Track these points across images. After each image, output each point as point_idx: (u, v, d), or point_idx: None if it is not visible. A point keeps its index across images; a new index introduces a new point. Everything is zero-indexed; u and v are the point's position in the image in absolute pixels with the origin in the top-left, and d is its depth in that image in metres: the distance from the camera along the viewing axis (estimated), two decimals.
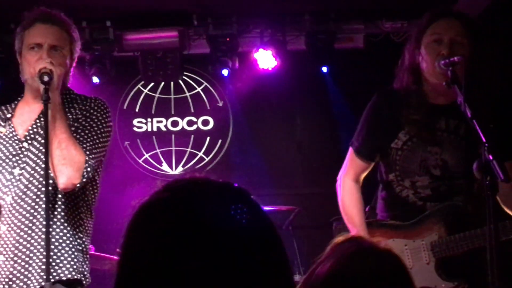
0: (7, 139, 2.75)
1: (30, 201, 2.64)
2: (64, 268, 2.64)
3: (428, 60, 2.71)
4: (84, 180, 2.61)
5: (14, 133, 2.76)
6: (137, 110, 7.06)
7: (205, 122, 7.05)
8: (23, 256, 2.61)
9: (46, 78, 2.56)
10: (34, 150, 2.69)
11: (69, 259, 2.66)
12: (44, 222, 2.54)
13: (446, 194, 2.78)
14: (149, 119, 7.07)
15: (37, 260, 2.60)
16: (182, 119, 7.06)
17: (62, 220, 2.68)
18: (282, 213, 5.45)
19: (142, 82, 6.95)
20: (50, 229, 2.58)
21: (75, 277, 2.68)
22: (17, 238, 2.62)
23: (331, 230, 5.29)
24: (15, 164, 2.70)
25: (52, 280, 2.56)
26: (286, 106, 6.82)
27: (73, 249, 2.69)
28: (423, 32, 2.76)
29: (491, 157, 2.10)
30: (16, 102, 2.89)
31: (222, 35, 6.11)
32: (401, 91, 2.83)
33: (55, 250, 2.64)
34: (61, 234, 2.67)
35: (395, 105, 2.85)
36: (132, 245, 1.07)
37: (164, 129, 7.07)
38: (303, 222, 5.71)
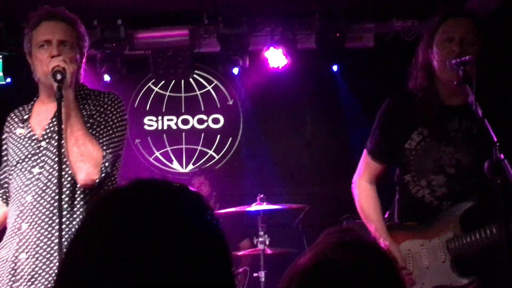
0: (26, 139, 2.76)
1: (49, 199, 2.65)
2: None
3: (439, 58, 2.71)
4: (103, 175, 2.62)
5: (32, 133, 2.76)
6: (147, 108, 7.07)
7: (216, 120, 7.06)
8: (44, 253, 2.62)
9: (59, 76, 2.56)
10: (52, 148, 2.70)
11: None
12: (63, 219, 2.55)
13: (461, 193, 2.78)
14: (159, 117, 7.09)
15: (58, 257, 2.61)
16: (193, 117, 7.07)
17: (82, 216, 2.68)
18: (292, 211, 5.46)
19: (153, 80, 6.97)
20: (71, 225, 2.61)
21: None
22: (38, 235, 2.62)
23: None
24: (34, 164, 2.70)
25: None
26: (296, 104, 6.82)
27: None
28: (434, 31, 2.76)
29: (502, 156, 2.08)
30: (32, 103, 2.88)
31: (233, 33, 6.10)
32: (414, 92, 2.83)
33: None
34: None
35: (408, 107, 2.85)
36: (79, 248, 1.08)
37: (174, 127, 7.08)
38: (313, 221, 5.70)
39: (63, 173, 2.60)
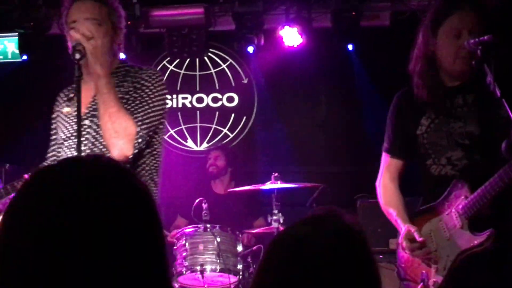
0: (72, 118, 2.81)
1: None
2: None
3: (448, 53, 2.76)
4: (136, 151, 2.64)
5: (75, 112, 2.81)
6: None
7: (230, 99, 7.06)
8: None
9: (77, 56, 2.59)
10: (94, 126, 2.74)
11: None
12: None
13: (480, 162, 2.81)
14: (174, 96, 7.09)
15: None
16: (207, 95, 7.07)
17: None
18: (306, 190, 5.45)
19: (168, 58, 6.96)
20: None
21: None
22: None
23: (355, 208, 5.34)
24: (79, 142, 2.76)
25: None
26: (310, 83, 6.80)
27: None
28: (439, 24, 2.79)
29: None
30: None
31: (248, 12, 6.08)
32: (416, 75, 2.87)
33: None
34: None
35: (413, 98, 2.91)
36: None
37: (189, 105, 7.09)
38: (327, 200, 5.69)
39: (100, 149, 2.69)
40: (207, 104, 7.07)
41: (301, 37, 6.13)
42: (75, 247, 1.03)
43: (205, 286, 4.94)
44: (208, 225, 4.97)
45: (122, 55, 6.13)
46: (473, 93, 2.80)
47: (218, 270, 4.97)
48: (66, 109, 2.84)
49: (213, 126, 7.05)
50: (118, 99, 2.67)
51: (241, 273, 5.08)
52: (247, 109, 7.02)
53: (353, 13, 5.96)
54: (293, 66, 6.62)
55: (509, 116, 2.21)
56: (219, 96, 7.07)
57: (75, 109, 2.78)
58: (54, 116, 2.95)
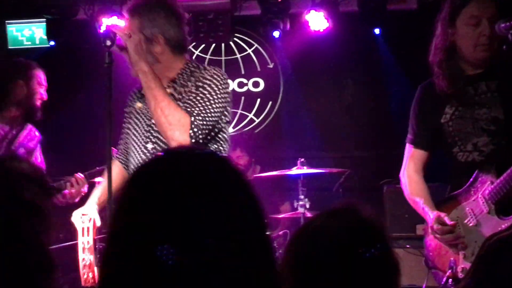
0: (143, 114, 2.89)
1: None
2: None
3: (468, 42, 2.78)
4: (193, 141, 2.66)
5: (147, 110, 2.85)
6: None
7: (256, 84, 7.06)
8: None
9: (108, 43, 2.64)
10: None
11: None
12: None
13: (507, 146, 2.81)
14: None
15: None
16: (233, 80, 7.07)
17: None
18: (332, 175, 5.46)
19: (193, 43, 6.95)
20: None
21: None
22: None
23: (381, 193, 5.33)
24: (147, 140, 2.83)
25: None
26: (337, 68, 6.77)
27: None
28: (457, 14, 2.80)
29: None
30: None
31: None
32: (438, 64, 2.88)
33: None
34: None
35: (436, 88, 2.92)
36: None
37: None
38: (353, 185, 5.70)
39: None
40: (233, 89, 7.06)
41: (327, 22, 6.09)
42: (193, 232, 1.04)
43: None
44: None
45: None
46: (496, 79, 2.81)
47: None
48: (139, 104, 2.92)
49: (239, 111, 7.05)
50: (166, 92, 2.71)
51: None
52: (273, 94, 7.02)
53: None
54: (319, 51, 6.58)
55: None
56: (245, 81, 7.07)
57: (145, 104, 2.86)
58: (127, 110, 3.03)
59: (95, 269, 2.90)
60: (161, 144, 2.78)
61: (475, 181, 2.83)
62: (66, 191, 3.42)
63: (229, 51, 7.07)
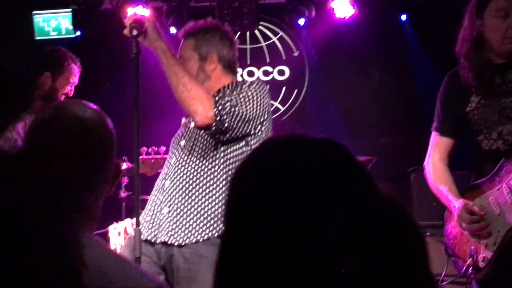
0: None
1: (193, 165, 2.80)
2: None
3: (497, 35, 2.75)
4: (218, 118, 2.65)
5: None
6: None
7: (281, 72, 7.04)
8: (185, 209, 2.76)
9: (134, 32, 2.65)
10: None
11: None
12: (204, 183, 2.76)
13: None
14: None
15: (198, 215, 2.74)
16: (258, 69, 7.07)
17: (224, 177, 2.79)
18: None
19: None
20: (211, 188, 2.76)
21: None
22: (181, 193, 2.78)
23: (409, 181, 5.29)
24: (182, 135, 2.94)
25: (206, 238, 2.71)
26: (363, 55, 6.72)
27: None
28: (484, 6, 2.78)
29: None
30: None
31: None
32: (463, 57, 2.87)
33: (216, 207, 2.77)
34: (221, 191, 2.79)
35: (462, 78, 2.89)
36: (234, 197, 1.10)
37: (240, 79, 7.06)
38: (381, 173, 5.66)
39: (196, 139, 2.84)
40: (258, 78, 7.06)
41: (353, 8, 6.06)
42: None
43: None
44: None
45: (173, 30, 6.27)
46: None
47: None
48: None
49: None
50: (186, 68, 2.74)
51: None
52: (298, 82, 7.00)
53: None
54: (345, 38, 6.54)
55: None
56: (270, 69, 7.06)
57: None
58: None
59: None
60: (192, 139, 2.89)
61: (500, 170, 2.79)
62: None
63: (254, 40, 7.05)
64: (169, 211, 2.77)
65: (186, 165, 2.80)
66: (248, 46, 7.08)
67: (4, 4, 6.41)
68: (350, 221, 1.00)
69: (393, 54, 6.66)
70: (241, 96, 2.75)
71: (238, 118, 2.72)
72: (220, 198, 2.75)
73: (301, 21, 6.27)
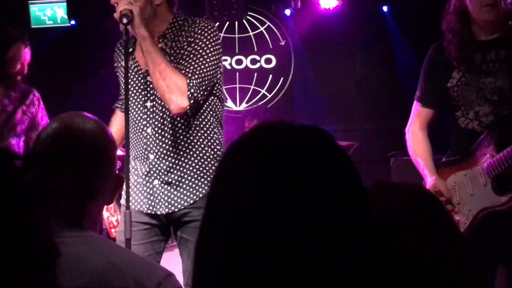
0: (133, 73, 2.82)
1: (169, 130, 2.73)
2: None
3: (474, 5, 2.69)
4: (192, 101, 2.63)
5: (138, 66, 2.82)
6: None
7: (268, 61, 7.02)
8: (176, 177, 2.73)
9: (125, 20, 2.60)
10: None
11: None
12: (187, 146, 2.73)
13: (507, 118, 2.76)
14: None
15: (186, 181, 2.72)
16: (246, 57, 7.04)
17: (202, 139, 2.76)
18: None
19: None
20: (192, 153, 2.74)
21: None
22: (167, 163, 2.73)
23: (389, 165, 5.31)
24: (145, 98, 2.78)
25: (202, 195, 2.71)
26: (346, 45, 6.71)
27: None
28: None
29: None
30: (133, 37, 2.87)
31: None
32: (449, 32, 2.81)
33: (204, 170, 2.75)
34: (202, 153, 2.76)
35: (446, 51, 2.84)
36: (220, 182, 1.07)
37: (228, 67, 7.07)
38: (362, 157, 5.68)
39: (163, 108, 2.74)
40: (246, 66, 7.05)
41: (337, 0, 6.04)
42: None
43: None
44: None
45: None
46: (508, 48, 2.72)
47: None
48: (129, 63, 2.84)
49: (252, 87, 7.03)
50: (164, 57, 2.67)
51: None
52: (285, 70, 6.98)
53: None
54: (329, 28, 6.53)
55: None
56: (257, 58, 7.04)
57: (135, 62, 2.83)
58: (116, 65, 2.98)
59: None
60: (159, 101, 2.73)
61: (476, 151, 2.78)
62: None
63: (243, 29, 7.02)
64: (160, 183, 2.74)
65: (166, 134, 2.73)
66: (236, 36, 7.05)
67: None
68: (332, 206, 0.99)
69: (375, 43, 6.66)
70: (201, 58, 2.70)
71: (206, 87, 2.72)
72: (206, 153, 2.75)
73: (288, 12, 6.26)
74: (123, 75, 2.76)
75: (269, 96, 6.98)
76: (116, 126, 2.90)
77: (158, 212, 2.75)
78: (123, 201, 2.66)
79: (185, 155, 2.74)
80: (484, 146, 2.76)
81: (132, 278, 1.45)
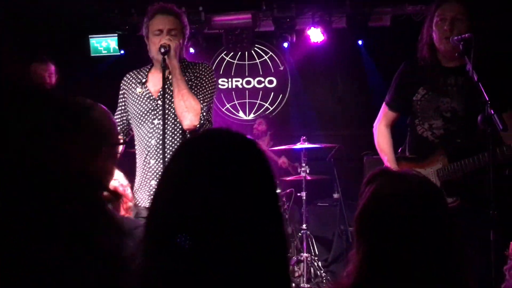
0: (144, 99, 2.79)
1: (168, 142, 2.68)
2: None
3: (437, 34, 2.64)
4: (201, 121, 2.63)
5: (149, 94, 2.79)
6: (221, 72, 7.05)
7: (270, 81, 7.00)
8: None
9: (163, 50, 2.61)
10: (165, 105, 2.75)
11: None
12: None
13: (455, 133, 2.71)
14: (229, 79, 7.07)
15: None
16: (253, 79, 7.03)
17: None
18: (326, 149, 5.40)
19: (225, 52, 6.92)
20: None
21: None
22: (163, 167, 2.69)
23: (362, 162, 5.26)
24: (154, 117, 2.74)
25: None
26: (330, 70, 6.69)
27: None
28: (433, 15, 2.67)
29: (492, 112, 1.98)
30: (147, 70, 2.89)
31: (284, 17, 5.98)
32: (421, 59, 2.75)
33: None
34: None
35: (416, 70, 2.78)
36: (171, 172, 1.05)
37: (240, 86, 7.05)
38: (342, 156, 5.63)
39: (175, 122, 2.68)
40: (253, 85, 7.03)
41: (323, 35, 6.02)
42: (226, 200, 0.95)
43: None
44: None
45: (192, 50, 6.21)
46: (464, 76, 2.62)
47: None
48: (139, 90, 2.82)
49: (258, 101, 7.01)
50: (187, 84, 2.66)
51: None
52: (283, 88, 6.96)
53: (363, 16, 5.82)
54: (317, 57, 6.51)
55: (484, 96, 2.10)
56: (262, 79, 7.02)
57: (147, 90, 2.79)
58: (121, 92, 2.91)
59: None
60: (165, 120, 2.67)
61: (430, 156, 2.72)
62: None
63: (251, 57, 7.01)
64: (156, 183, 2.68)
65: (166, 145, 2.67)
66: (246, 62, 7.03)
67: (69, 30, 6.38)
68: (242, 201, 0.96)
69: (353, 69, 6.62)
70: (205, 91, 2.71)
71: (208, 111, 2.72)
72: None
73: (285, 44, 6.23)
74: (135, 99, 2.77)
75: (271, 108, 6.96)
76: None
77: None
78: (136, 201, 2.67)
79: None
80: (437, 155, 2.71)
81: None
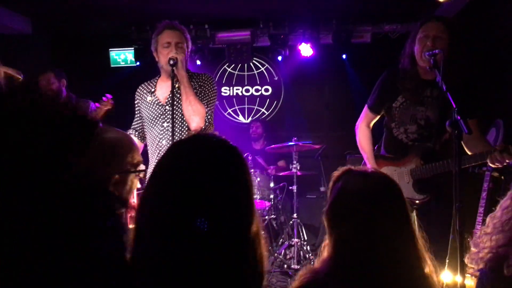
0: (154, 105, 2.79)
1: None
2: None
3: (418, 50, 2.60)
4: (207, 124, 2.64)
5: (158, 101, 2.79)
6: (223, 81, 7.03)
7: (266, 90, 6.98)
8: None
9: (172, 62, 2.61)
10: (174, 110, 2.75)
11: None
12: None
13: (426, 137, 2.69)
14: (231, 88, 7.05)
15: None
16: (252, 87, 7.01)
17: None
18: (314, 148, 5.40)
19: (227, 64, 6.90)
20: None
21: None
22: None
23: (345, 159, 5.26)
24: (163, 120, 2.73)
25: None
26: (318, 80, 6.68)
27: None
28: (417, 31, 2.64)
29: (458, 117, 1.97)
30: (156, 81, 2.89)
31: (278, 33, 5.98)
32: (402, 70, 2.72)
33: None
34: None
35: (397, 78, 2.75)
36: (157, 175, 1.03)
37: (240, 94, 7.04)
38: (327, 154, 5.63)
39: (182, 124, 2.66)
40: (252, 93, 7.01)
41: (312, 50, 6.01)
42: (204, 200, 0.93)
43: None
44: (252, 170, 4.97)
45: (198, 62, 6.19)
46: (438, 89, 2.59)
47: (258, 198, 4.98)
48: (149, 98, 2.82)
49: (255, 107, 7.00)
50: (194, 91, 2.66)
51: (272, 200, 5.08)
52: (277, 96, 6.94)
53: (346, 33, 5.82)
54: (307, 69, 6.50)
55: (451, 103, 2.10)
56: (259, 88, 7.00)
57: (156, 98, 2.79)
58: (136, 102, 2.92)
59: None
60: (173, 123, 2.65)
61: (405, 157, 2.69)
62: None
63: (250, 69, 6.99)
64: None
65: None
66: (245, 73, 7.02)
67: (91, 44, 6.37)
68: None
69: (338, 79, 6.61)
70: (208, 98, 2.71)
71: (211, 114, 2.72)
72: None
73: (280, 58, 6.23)
74: (146, 106, 2.76)
75: (267, 113, 6.94)
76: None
77: None
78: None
79: None
80: (411, 155, 2.68)
81: None
